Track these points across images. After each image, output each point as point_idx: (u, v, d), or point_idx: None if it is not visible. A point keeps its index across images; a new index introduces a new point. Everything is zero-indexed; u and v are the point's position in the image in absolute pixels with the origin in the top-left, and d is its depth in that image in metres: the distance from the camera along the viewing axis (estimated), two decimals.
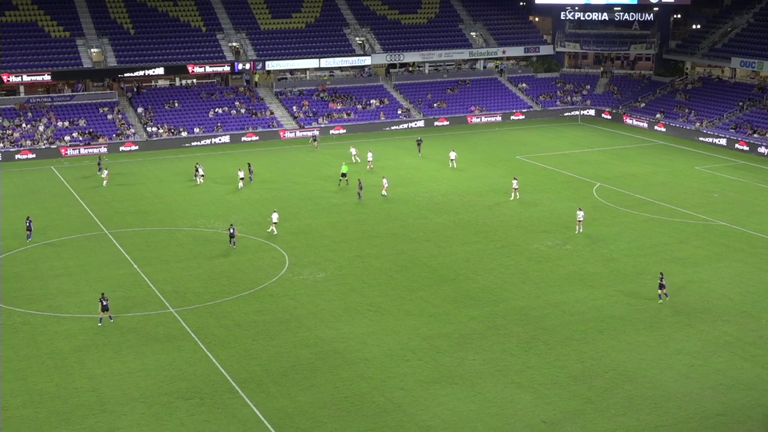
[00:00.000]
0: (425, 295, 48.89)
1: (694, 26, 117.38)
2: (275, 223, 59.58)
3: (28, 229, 58.12)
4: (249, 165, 75.03)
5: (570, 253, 55.93)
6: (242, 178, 72.28)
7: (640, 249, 56.74)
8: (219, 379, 38.84)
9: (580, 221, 59.93)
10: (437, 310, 46.74)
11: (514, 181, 68.79)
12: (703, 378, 39.11)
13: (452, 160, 79.25)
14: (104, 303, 44.37)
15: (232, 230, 56.98)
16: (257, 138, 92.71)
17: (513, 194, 68.15)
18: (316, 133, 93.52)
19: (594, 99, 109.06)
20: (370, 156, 78.70)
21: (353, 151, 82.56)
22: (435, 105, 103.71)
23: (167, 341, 42.75)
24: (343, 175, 72.64)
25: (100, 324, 44.50)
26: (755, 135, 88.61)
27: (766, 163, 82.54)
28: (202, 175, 74.06)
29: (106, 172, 74.10)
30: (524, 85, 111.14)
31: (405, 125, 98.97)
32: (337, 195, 69.75)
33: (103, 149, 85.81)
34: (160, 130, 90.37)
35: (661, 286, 47.69)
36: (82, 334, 43.54)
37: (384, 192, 68.58)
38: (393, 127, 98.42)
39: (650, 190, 71.29)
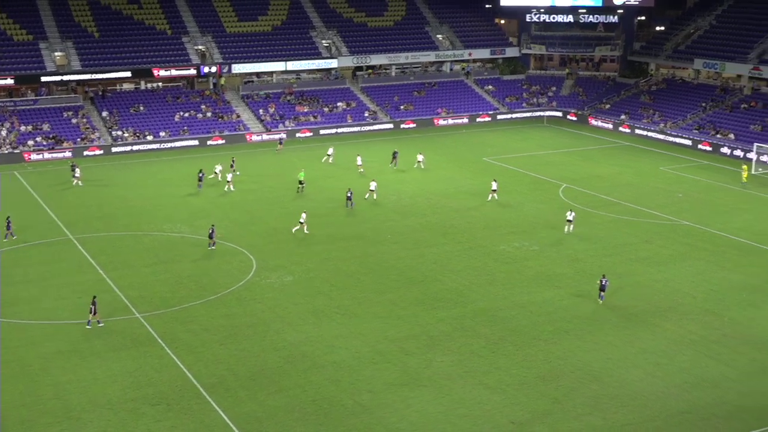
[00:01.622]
0: (393, 297, 48.95)
1: (657, 28, 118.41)
2: (302, 222, 60.15)
3: (8, 227, 57.98)
4: (201, 169, 75.53)
5: (536, 254, 56.24)
6: (229, 181, 72.39)
7: (605, 249, 57.17)
8: (186, 385, 38.64)
9: (569, 221, 60.49)
10: (405, 312, 46.81)
11: (494, 183, 69.12)
12: (668, 376, 39.48)
13: (419, 161, 79.44)
14: (91, 306, 44.51)
15: (211, 231, 57.09)
16: (223, 141, 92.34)
17: (491, 195, 68.52)
18: (283, 136, 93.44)
19: (560, 100, 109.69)
20: (359, 160, 78.72)
21: (330, 150, 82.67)
22: (402, 107, 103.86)
23: (134, 347, 42.46)
24: (300, 182, 71.48)
25: (88, 326, 44.47)
26: (718, 135, 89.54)
27: (728, 163, 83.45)
28: (216, 173, 75.35)
29: (78, 170, 74.02)
30: (490, 87, 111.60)
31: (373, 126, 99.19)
32: (303, 198, 69.62)
33: (68, 154, 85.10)
34: (125, 134, 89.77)
35: (602, 288, 47.81)
36: (47, 340, 43.12)
37: (367, 196, 68.26)
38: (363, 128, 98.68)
39: (616, 190, 71.83)
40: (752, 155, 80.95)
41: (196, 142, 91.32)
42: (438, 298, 48.82)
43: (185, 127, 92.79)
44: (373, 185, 69.06)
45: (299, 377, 39.36)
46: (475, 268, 53.64)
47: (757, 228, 61.73)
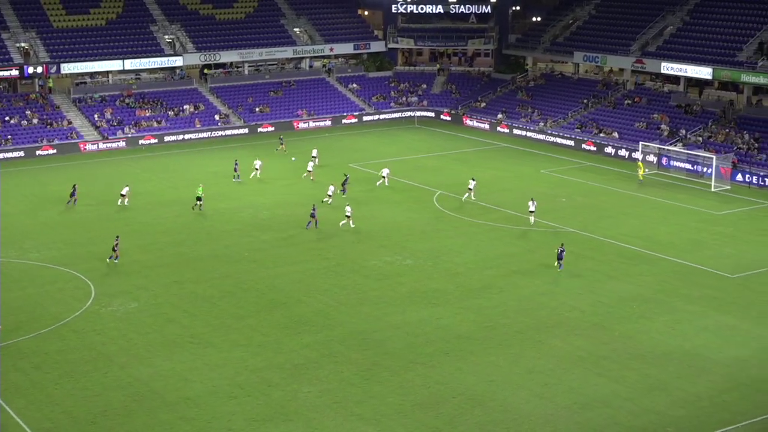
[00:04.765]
0: (253, 322, 48.69)
1: (534, 19, 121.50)
2: (348, 216, 64.54)
3: None
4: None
5: (411, 269, 56.83)
6: (123, 194, 71.49)
7: (485, 261, 58.21)
8: None
9: (532, 212, 64.87)
10: (267, 338, 46.61)
11: (471, 182, 71.39)
12: (556, 397, 40.43)
13: (383, 177, 77.33)
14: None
15: (116, 243, 57.62)
16: (54, 151, 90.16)
17: (466, 194, 71.46)
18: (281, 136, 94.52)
19: (431, 99, 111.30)
20: (310, 166, 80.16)
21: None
22: (257, 109, 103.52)
23: None
24: (198, 198, 69.31)
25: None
26: (601, 134, 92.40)
27: (613, 164, 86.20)
28: (256, 169, 79.70)
29: None
30: (355, 85, 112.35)
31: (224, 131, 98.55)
32: (148, 214, 68.58)
33: None
34: None
35: (560, 257, 54.07)
36: None
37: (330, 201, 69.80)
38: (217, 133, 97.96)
39: (495, 196, 73.19)
40: (638, 155, 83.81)
41: (21, 153, 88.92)
42: (303, 321, 48.78)
43: (9, 137, 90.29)
44: (331, 188, 71.08)
45: (148, 417, 38.70)
46: (344, 287, 53.84)
47: (645, 233, 63.92)
